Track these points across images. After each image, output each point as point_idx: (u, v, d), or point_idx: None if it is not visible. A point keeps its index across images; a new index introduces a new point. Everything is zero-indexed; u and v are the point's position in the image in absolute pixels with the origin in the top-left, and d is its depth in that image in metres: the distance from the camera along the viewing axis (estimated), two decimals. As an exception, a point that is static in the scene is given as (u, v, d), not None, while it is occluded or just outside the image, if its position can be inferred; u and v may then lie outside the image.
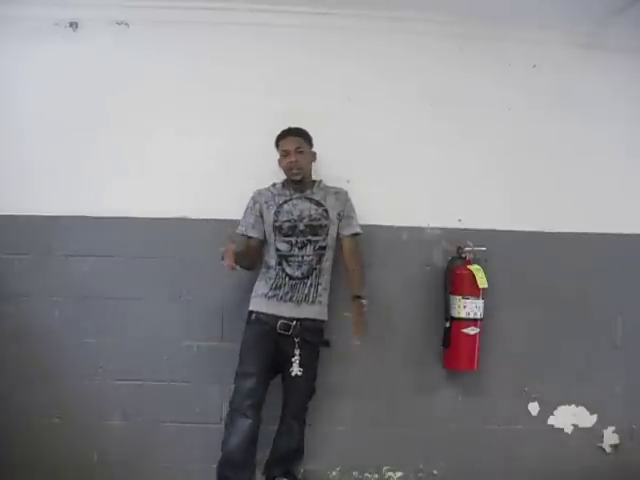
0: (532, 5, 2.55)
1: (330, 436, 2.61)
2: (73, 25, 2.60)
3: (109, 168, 2.59)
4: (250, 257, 2.36)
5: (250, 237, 2.39)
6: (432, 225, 2.67)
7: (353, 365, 2.61)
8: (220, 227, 2.48)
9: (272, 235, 2.35)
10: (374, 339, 2.58)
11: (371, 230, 2.60)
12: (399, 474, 2.66)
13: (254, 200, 2.42)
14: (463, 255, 2.60)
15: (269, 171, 2.49)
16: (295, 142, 2.37)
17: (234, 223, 2.45)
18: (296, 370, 2.26)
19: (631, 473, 2.71)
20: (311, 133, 2.45)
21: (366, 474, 2.65)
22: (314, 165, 2.48)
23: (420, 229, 2.67)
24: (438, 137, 2.68)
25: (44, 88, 2.61)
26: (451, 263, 2.61)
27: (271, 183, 2.45)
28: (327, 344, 2.38)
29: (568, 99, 2.72)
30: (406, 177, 2.66)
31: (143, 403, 2.57)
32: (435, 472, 2.67)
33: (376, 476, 2.66)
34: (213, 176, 2.58)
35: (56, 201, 2.57)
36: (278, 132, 2.41)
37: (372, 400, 2.63)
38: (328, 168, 2.53)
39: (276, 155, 2.43)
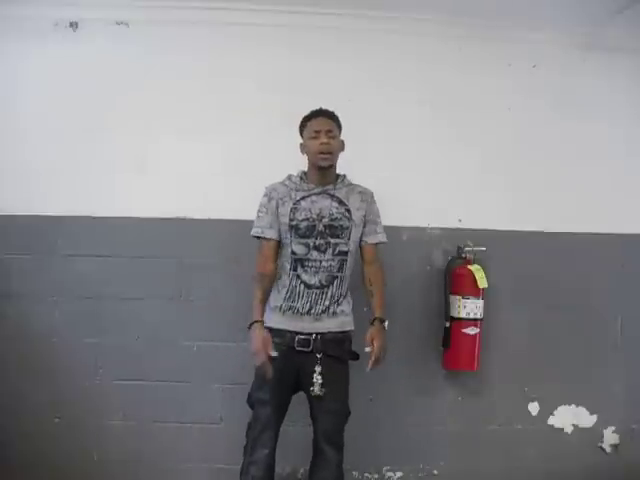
0: (532, 5, 2.54)
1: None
2: (73, 25, 2.60)
3: (109, 168, 2.59)
4: (271, 278, 2.12)
5: (268, 239, 2.11)
6: (432, 225, 2.67)
7: (352, 365, 2.60)
8: (220, 227, 2.47)
9: (288, 235, 2.08)
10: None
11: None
12: (399, 474, 2.66)
13: (269, 197, 2.12)
14: (463, 255, 2.60)
15: (269, 171, 2.47)
16: (327, 124, 2.08)
17: (234, 223, 2.45)
18: (317, 390, 2.01)
19: (631, 473, 2.70)
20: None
21: (366, 474, 2.66)
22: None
23: (420, 229, 2.67)
24: (438, 137, 2.67)
25: (44, 88, 2.60)
26: (451, 263, 2.62)
27: (286, 175, 2.18)
28: (356, 357, 2.13)
29: (568, 99, 2.72)
30: (406, 177, 2.66)
31: (143, 403, 2.57)
32: (435, 472, 2.67)
33: (376, 476, 2.66)
34: (213, 176, 2.58)
35: (56, 201, 2.57)
36: (306, 114, 2.13)
37: (372, 400, 2.63)
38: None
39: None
